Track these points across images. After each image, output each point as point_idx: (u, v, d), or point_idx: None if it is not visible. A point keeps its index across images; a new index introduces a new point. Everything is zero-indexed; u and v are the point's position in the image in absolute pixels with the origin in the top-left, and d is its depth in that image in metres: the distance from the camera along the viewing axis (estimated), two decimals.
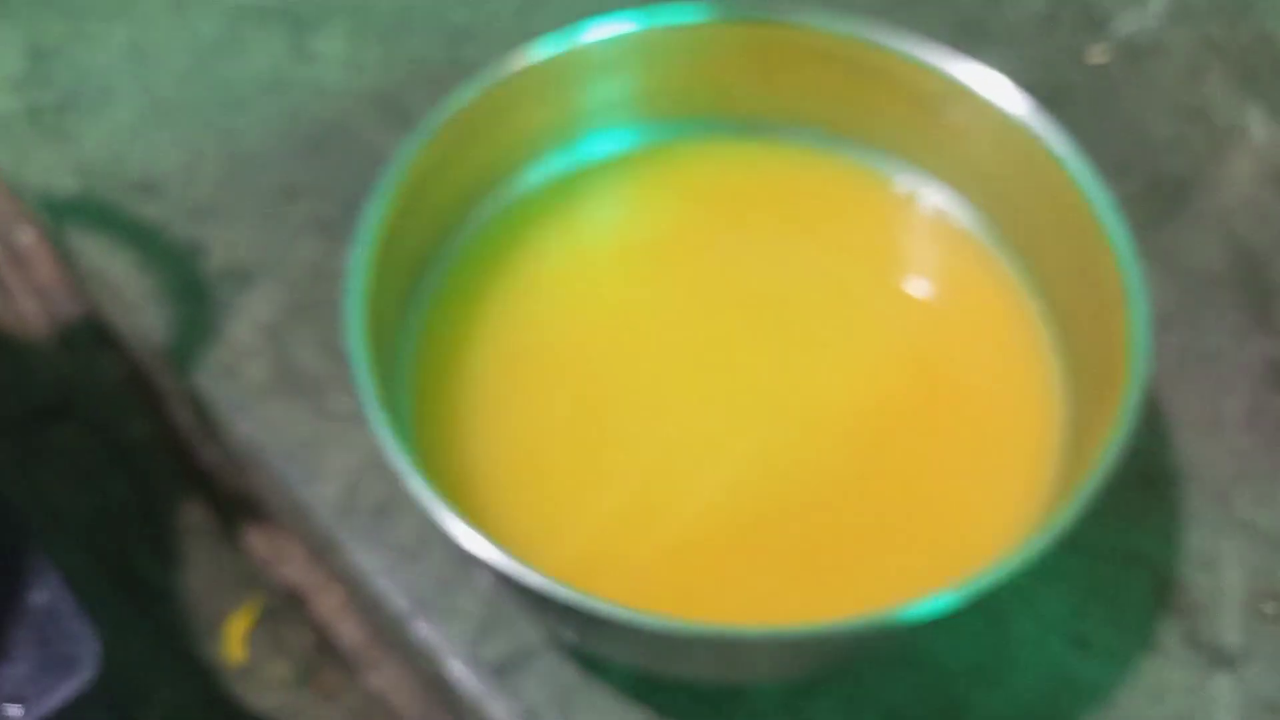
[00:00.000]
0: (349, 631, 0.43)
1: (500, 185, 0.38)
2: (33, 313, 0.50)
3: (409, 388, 0.34)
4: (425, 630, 0.35)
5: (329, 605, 0.43)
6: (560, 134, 0.38)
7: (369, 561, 0.36)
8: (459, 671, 0.34)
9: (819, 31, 0.36)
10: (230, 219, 0.44)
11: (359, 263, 0.32)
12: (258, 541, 0.45)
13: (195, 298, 0.42)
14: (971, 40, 0.51)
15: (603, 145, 0.39)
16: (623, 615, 0.26)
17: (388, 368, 0.33)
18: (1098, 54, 0.51)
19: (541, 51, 0.37)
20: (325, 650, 0.41)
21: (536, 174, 0.39)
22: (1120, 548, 0.37)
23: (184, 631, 0.40)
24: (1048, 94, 0.49)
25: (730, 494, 0.33)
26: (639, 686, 0.34)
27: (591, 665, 0.34)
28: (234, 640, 0.39)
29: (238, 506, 0.45)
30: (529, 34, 0.50)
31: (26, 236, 0.50)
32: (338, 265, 0.44)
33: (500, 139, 0.37)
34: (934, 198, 0.39)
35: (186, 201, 0.44)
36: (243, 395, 0.39)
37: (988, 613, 0.36)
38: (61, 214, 0.44)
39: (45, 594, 0.33)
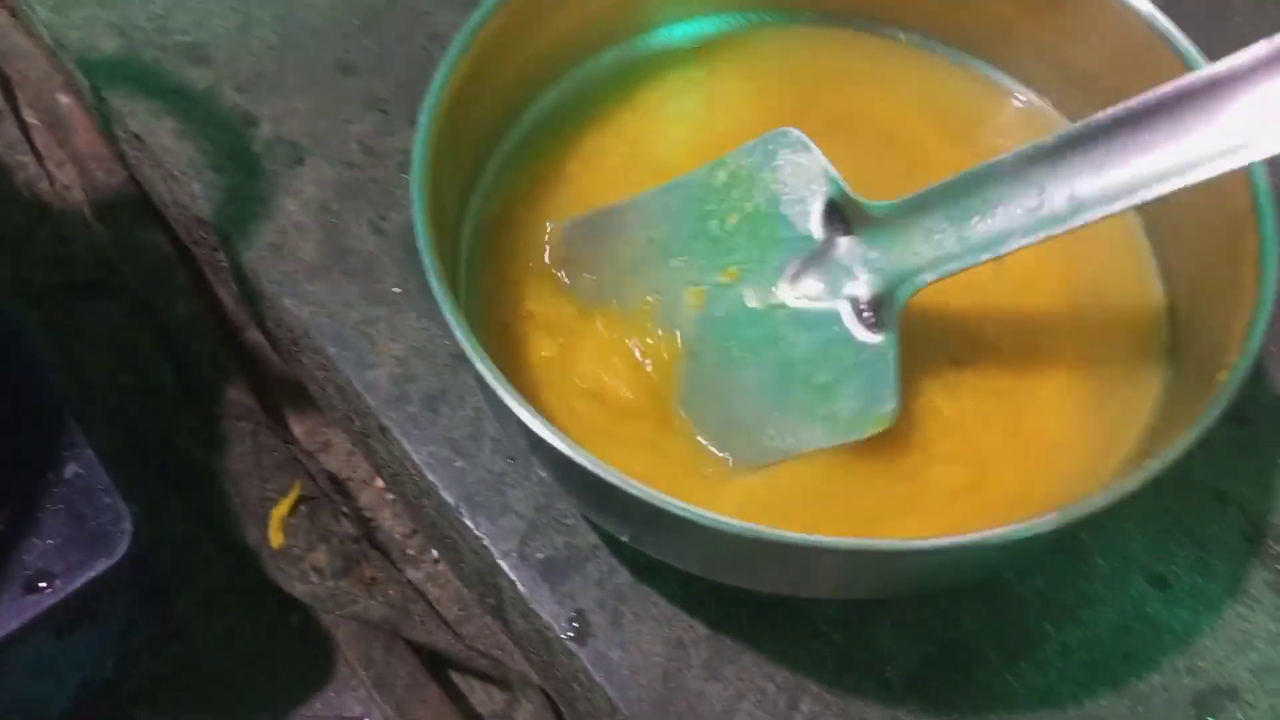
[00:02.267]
0: (390, 524, 0.41)
1: (567, 69, 0.35)
2: (71, 181, 0.48)
3: (467, 266, 0.32)
4: (474, 525, 0.33)
5: (370, 496, 0.42)
6: (630, 20, 0.36)
7: (419, 453, 0.34)
8: (508, 569, 0.33)
9: None
10: (282, 91, 0.41)
11: (422, 140, 0.29)
12: (300, 429, 0.43)
13: (243, 171, 0.39)
14: None
15: (675, 33, 0.37)
16: (697, 516, 0.24)
17: (450, 254, 0.31)
18: None
19: None
20: (366, 541, 0.39)
21: (604, 60, 0.36)
22: (1210, 487, 0.35)
23: (224, 515, 0.39)
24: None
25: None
26: (693, 596, 0.32)
27: (645, 572, 0.33)
28: (275, 526, 0.38)
29: (282, 392, 0.43)
30: None
31: (65, 101, 0.48)
32: (390, 145, 0.42)
33: (569, 20, 0.34)
34: (1036, 102, 0.36)
35: (235, 70, 0.42)
36: (292, 274, 0.37)
37: (1064, 545, 0.34)
38: (102, 75, 0.42)
39: (78, 468, 0.32)
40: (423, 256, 0.27)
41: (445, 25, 0.44)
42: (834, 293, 0.29)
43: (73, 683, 0.33)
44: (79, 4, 0.43)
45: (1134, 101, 0.26)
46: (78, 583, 0.30)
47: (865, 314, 0.29)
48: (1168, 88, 0.25)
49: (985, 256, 0.27)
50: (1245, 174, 0.29)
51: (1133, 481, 0.25)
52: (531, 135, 0.35)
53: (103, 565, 0.30)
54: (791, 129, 0.30)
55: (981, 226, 0.27)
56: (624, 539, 0.30)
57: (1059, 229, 0.26)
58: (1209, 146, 0.25)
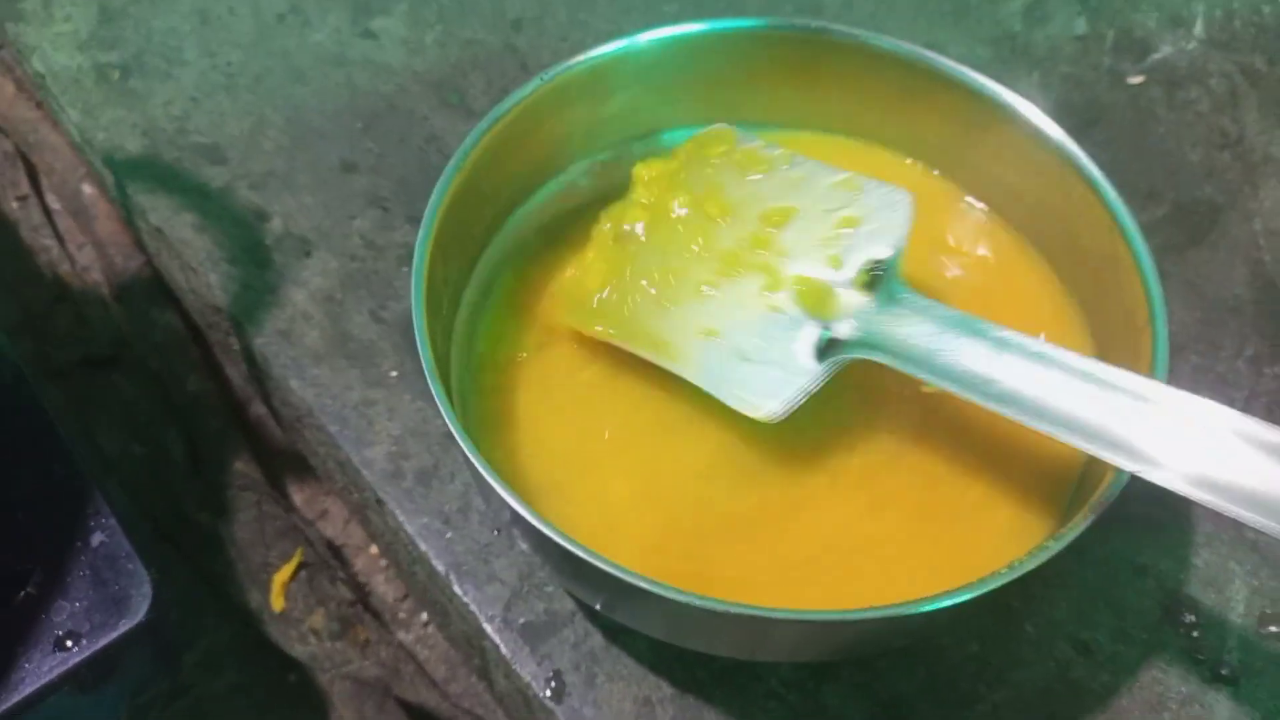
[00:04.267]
0: (383, 589, 0.44)
1: (553, 175, 0.39)
2: (90, 264, 0.52)
3: (462, 364, 0.36)
4: (462, 592, 0.36)
5: (365, 563, 0.45)
6: (612, 132, 0.40)
7: (413, 525, 0.38)
8: (492, 633, 0.36)
9: (870, 47, 0.38)
10: (291, 189, 0.45)
11: (423, 239, 0.33)
12: (300, 498, 0.46)
13: (255, 263, 0.43)
14: (1013, 57, 0.53)
15: (649, 144, 0.41)
16: (657, 588, 0.28)
17: (443, 342, 0.35)
18: (1136, 77, 0.52)
19: (601, 51, 0.38)
20: (361, 604, 0.42)
21: (583, 167, 0.40)
22: (1130, 560, 0.38)
23: (228, 579, 0.42)
24: (1083, 114, 0.51)
25: (754, 479, 0.34)
26: (661, 658, 0.36)
27: (616, 635, 0.36)
28: (277, 591, 0.41)
29: (283, 463, 0.46)
30: (580, 27, 0.51)
31: (88, 190, 0.52)
32: (390, 239, 0.46)
33: (556, 132, 0.38)
34: (967, 208, 0.40)
35: (249, 169, 0.46)
36: (299, 359, 0.41)
37: (997, 612, 0.37)
38: (127, 172, 0.46)
39: (102, 536, 0.35)
40: (422, 356, 0.31)
41: (440, 129, 0.48)
42: (819, 313, 0.33)
43: None
44: (106, 107, 0.47)
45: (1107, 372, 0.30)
46: (102, 642, 0.33)
47: (820, 345, 0.33)
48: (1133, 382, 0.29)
49: (923, 375, 0.32)
50: (1141, 290, 0.33)
51: (1035, 558, 0.28)
52: (521, 232, 0.39)
53: (125, 626, 0.33)
54: (911, 193, 0.34)
55: (942, 359, 0.32)
56: (596, 607, 0.33)
57: (988, 405, 0.31)
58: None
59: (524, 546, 0.36)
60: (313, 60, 0.50)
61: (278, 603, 0.41)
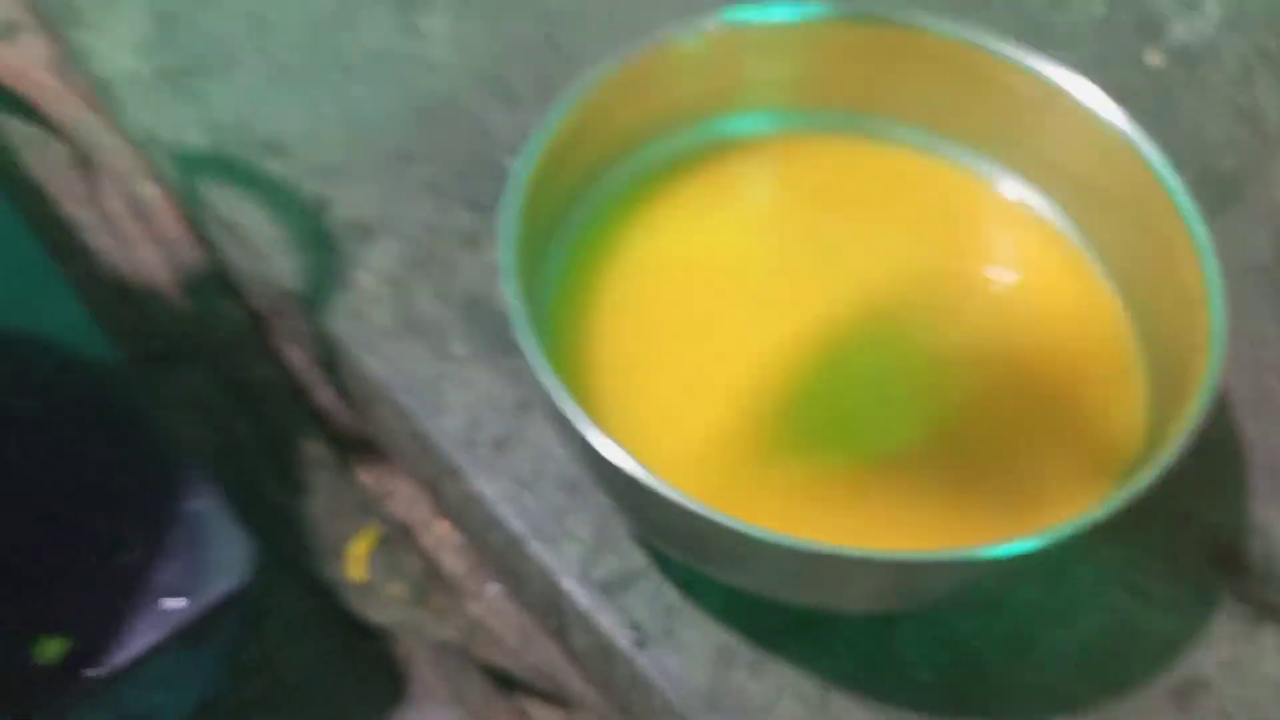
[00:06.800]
0: (451, 563, 0.46)
1: (631, 155, 0.41)
2: (154, 261, 0.54)
3: (546, 325, 0.37)
4: (540, 552, 0.38)
5: (432, 540, 0.47)
6: (687, 113, 0.42)
7: (489, 489, 0.39)
8: (570, 589, 0.37)
9: (931, 34, 0.40)
10: (352, 178, 0.47)
11: (513, 204, 0.35)
12: (368, 478, 0.48)
13: (322, 248, 0.45)
14: (1035, 42, 0.55)
15: (720, 129, 0.43)
16: (752, 532, 0.29)
17: (531, 304, 0.36)
18: (1154, 57, 0.54)
19: (678, 33, 0.40)
20: (434, 576, 0.44)
21: (664, 147, 0.42)
22: (1177, 510, 0.40)
23: (306, 553, 0.43)
24: (1107, 95, 0.53)
25: (827, 445, 0.36)
26: (736, 609, 0.37)
27: (691, 588, 0.37)
28: (356, 561, 0.42)
29: (351, 445, 0.48)
30: (618, 21, 0.53)
31: (149, 190, 0.53)
32: (448, 224, 0.47)
33: (634, 113, 0.40)
34: (1019, 192, 0.42)
35: (310, 161, 0.48)
36: (370, 337, 0.43)
37: (1053, 562, 0.39)
38: (192, 168, 0.48)
39: (200, 502, 0.36)
40: (511, 307, 0.33)
41: (491, 121, 0.50)
42: None
43: (192, 698, 0.37)
44: (170, 106, 0.49)
45: None
46: (205, 601, 0.34)
47: None
48: None
49: None
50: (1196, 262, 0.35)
51: (1116, 502, 0.30)
52: (600, 206, 0.41)
53: (228, 584, 0.34)
54: None
55: None
56: (678, 558, 0.35)
57: None
58: None
59: (605, 500, 0.38)
60: (364, 58, 0.51)
61: (357, 572, 0.42)
